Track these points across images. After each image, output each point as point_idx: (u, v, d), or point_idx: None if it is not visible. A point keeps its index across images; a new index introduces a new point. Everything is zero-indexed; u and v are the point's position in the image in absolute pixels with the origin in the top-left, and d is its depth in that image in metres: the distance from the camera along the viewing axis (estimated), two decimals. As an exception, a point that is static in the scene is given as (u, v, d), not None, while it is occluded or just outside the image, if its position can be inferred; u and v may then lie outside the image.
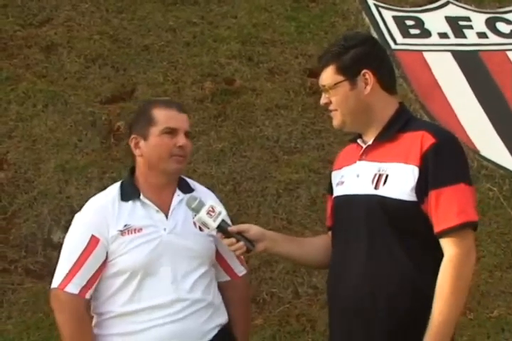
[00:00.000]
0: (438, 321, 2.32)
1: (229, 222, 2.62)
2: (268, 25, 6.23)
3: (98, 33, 5.96)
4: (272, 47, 6.06)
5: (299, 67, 5.93)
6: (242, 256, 2.84)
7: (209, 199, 2.67)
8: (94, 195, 2.76)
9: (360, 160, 2.55)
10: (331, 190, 2.70)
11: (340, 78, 2.52)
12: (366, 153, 2.54)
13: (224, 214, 2.54)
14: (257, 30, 6.17)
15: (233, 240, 2.54)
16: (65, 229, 4.55)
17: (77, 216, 2.69)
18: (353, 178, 2.54)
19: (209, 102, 5.57)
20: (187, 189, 2.74)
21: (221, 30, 6.13)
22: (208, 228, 2.54)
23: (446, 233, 2.36)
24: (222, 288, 2.78)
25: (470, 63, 6.26)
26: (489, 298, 4.50)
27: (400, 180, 2.40)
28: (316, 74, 5.82)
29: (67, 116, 5.37)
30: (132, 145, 2.69)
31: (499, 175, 5.32)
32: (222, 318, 2.72)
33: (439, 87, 5.97)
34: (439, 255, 2.38)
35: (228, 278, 2.81)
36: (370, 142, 2.54)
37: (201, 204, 2.53)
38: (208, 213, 2.51)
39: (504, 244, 4.92)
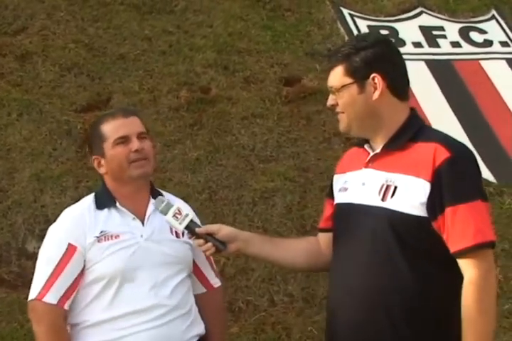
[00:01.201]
0: None
1: (199, 223, 2.62)
2: (244, 35, 6.25)
3: (73, 42, 5.94)
4: (248, 56, 6.08)
5: (274, 76, 5.95)
6: (216, 268, 2.86)
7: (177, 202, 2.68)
8: (70, 204, 2.75)
9: (366, 167, 2.45)
10: (331, 194, 2.61)
11: (348, 80, 2.41)
12: (373, 161, 2.44)
13: (191, 216, 2.53)
14: (233, 39, 6.19)
15: (201, 241, 2.50)
16: (40, 238, 4.56)
17: (52, 226, 2.68)
18: (358, 186, 2.45)
19: (185, 111, 5.57)
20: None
21: (197, 39, 6.14)
22: (177, 230, 2.56)
23: (464, 253, 2.26)
24: (198, 300, 2.77)
25: (444, 72, 6.32)
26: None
27: (409, 194, 2.31)
28: (291, 83, 5.90)
29: (42, 125, 5.34)
30: (96, 165, 2.71)
31: (472, 183, 5.36)
32: (200, 328, 2.72)
33: (413, 96, 6.01)
34: (448, 273, 2.30)
35: (204, 290, 2.81)
36: (378, 150, 2.43)
37: (168, 207, 2.54)
38: (174, 216, 2.52)
39: (478, 251, 4.95)
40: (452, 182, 2.28)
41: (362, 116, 2.42)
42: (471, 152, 2.40)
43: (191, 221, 2.52)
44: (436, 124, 5.79)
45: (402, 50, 6.53)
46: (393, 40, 6.47)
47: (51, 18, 6.11)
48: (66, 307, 2.56)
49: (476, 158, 2.41)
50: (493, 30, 6.80)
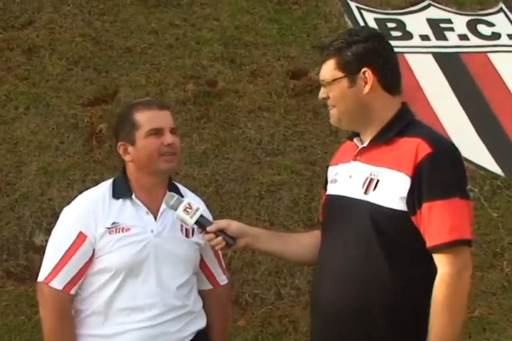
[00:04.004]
0: None
1: (210, 218, 2.62)
2: (250, 28, 6.25)
3: (80, 36, 5.95)
4: (255, 49, 6.07)
5: (281, 69, 5.94)
6: (224, 266, 2.86)
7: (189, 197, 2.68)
8: (77, 197, 2.73)
9: (354, 160, 2.47)
10: (326, 185, 2.64)
11: (339, 74, 2.42)
12: (361, 154, 2.46)
13: (202, 211, 2.53)
14: (240, 32, 6.18)
15: (212, 236, 2.51)
16: (47, 231, 4.57)
17: (66, 209, 2.67)
18: (346, 179, 2.48)
19: (191, 104, 5.57)
20: (177, 193, 2.70)
21: (204, 33, 6.14)
22: (187, 225, 2.55)
23: (439, 249, 2.28)
24: (203, 295, 2.78)
25: (451, 65, 6.31)
26: (470, 298, 4.51)
27: (390, 188, 2.33)
28: (298, 76, 5.89)
29: (49, 119, 5.35)
30: (121, 152, 2.67)
31: (480, 176, 5.36)
32: (201, 324, 2.72)
33: (421, 89, 6.00)
34: (427, 267, 2.31)
35: (210, 287, 2.81)
36: (366, 143, 2.46)
37: (179, 202, 2.53)
38: (184, 210, 2.51)
39: (485, 245, 4.96)
40: (431, 178, 2.28)
41: (352, 109, 2.44)
42: (454, 149, 2.38)
43: (201, 215, 2.52)
44: (443, 116, 5.81)
45: (409, 42, 6.63)
46: (400, 34, 6.50)
47: (58, 12, 6.11)
48: (72, 292, 2.59)
49: (460, 155, 2.39)
50: (501, 22, 6.78)
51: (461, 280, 2.27)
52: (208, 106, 5.57)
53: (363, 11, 6.63)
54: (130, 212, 2.62)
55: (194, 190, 4.89)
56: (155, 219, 2.64)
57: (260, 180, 5.12)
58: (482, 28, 6.71)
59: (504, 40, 6.64)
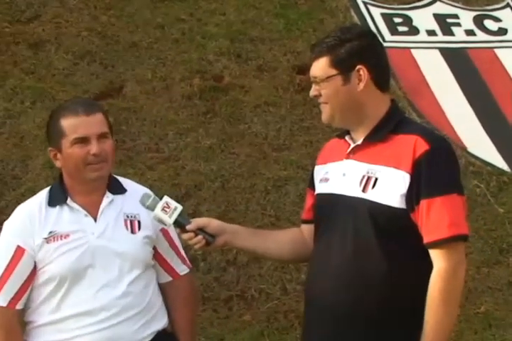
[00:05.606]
0: (430, 336, 2.29)
1: (186, 216, 2.55)
2: (256, 22, 6.24)
3: (86, 30, 5.95)
4: (261, 44, 6.07)
5: (287, 64, 5.93)
6: (184, 255, 2.79)
7: (144, 196, 2.58)
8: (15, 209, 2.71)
9: (347, 158, 2.46)
10: (312, 184, 2.63)
11: (333, 72, 2.42)
12: (354, 152, 2.45)
13: (180, 209, 2.46)
14: (246, 27, 6.18)
15: (191, 234, 2.47)
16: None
17: (5, 224, 2.64)
18: (339, 177, 2.46)
19: (197, 99, 5.57)
20: (118, 189, 2.67)
21: (210, 27, 6.13)
22: (166, 224, 2.49)
23: (436, 244, 2.30)
24: (164, 288, 2.72)
25: (458, 60, 6.29)
26: (476, 294, 4.53)
27: (389, 186, 2.34)
28: (304, 71, 5.89)
29: (55, 113, 5.35)
30: (51, 157, 2.63)
31: (486, 172, 5.34)
32: (161, 323, 2.67)
33: (427, 84, 5.99)
34: (426, 263, 2.33)
35: (170, 279, 2.74)
36: (359, 141, 2.45)
37: (156, 202, 2.47)
38: (163, 209, 2.44)
39: (491, 241, 4.95)
40: (430, 174, 2.31)
41: (345, 107, 2.44)
42: (449, 145, 2.43)
43: (180, 214, 2.46)
44: (449, 112, 5.80)
45: (416, 38, 6.62)
46: (407, 29, 6.50)
47: (64, 6, 6.12)
48: (18, 306, 2.57)
49: (454, 151, 2.45)
50: (508, 18, 6.75)
51: (456, 275, 2.31)
52: (214, 101, 5.57)
53: (369, 6, 6.61)
54: (67, 217, 2.58)
55: (200, 185, 4.94)
56: (95, 220, 2.59)
57: (266, 175, 5.12)
58: (489, 24, 6.68)
59: (511, 35, 6.62)
